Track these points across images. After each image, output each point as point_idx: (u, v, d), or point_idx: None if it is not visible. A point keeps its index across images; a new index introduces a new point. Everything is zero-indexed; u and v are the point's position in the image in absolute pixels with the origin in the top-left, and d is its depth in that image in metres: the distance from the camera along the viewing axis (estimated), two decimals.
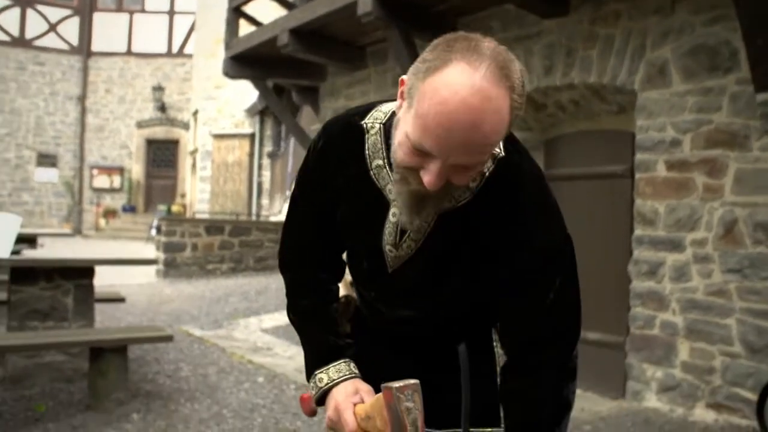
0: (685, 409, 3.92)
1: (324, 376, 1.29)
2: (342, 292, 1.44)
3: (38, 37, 18.89)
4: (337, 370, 1.29)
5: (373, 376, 1.31)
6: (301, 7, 6.04)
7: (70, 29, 19.24)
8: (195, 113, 15.59)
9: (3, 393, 3.98)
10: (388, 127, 1.20)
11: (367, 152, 1.24)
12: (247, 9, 7.53)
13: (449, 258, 1.23)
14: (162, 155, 19.34)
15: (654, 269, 4.13)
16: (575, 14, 4.60)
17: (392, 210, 1.22)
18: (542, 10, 4.69)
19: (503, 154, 1.19)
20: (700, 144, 3.95)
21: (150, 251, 11.12)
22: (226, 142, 13.98)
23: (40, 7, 18.89)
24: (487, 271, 1.22)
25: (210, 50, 13.88)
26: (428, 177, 1.05)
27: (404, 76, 1.11)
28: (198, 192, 14.86)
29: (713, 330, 3.85)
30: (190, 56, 18.00)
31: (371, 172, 1.23)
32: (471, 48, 1.01)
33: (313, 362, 1.33)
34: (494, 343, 1.34)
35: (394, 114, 1.19)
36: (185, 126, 18.33)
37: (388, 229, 1.24)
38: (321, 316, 1.36)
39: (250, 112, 13.25)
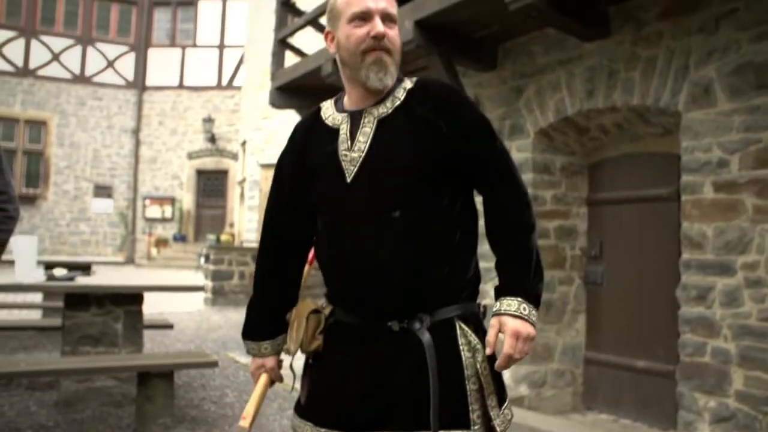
0: None
1: (268, 345, 1.82)
2: (311, 306, 1.66)
3: (97, 74, 19.73)
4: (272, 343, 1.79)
5: (343, 386, 1.58)
6: None
7: (127, 65, 20.06)
8: (243, 144, 15.94)
9: (56, 416, 4.11)
10: (336, 99, 1.69)
11: (322, 114, 1.67)
12: (293, 41, 7.71)
13: (398, 157, 1.51)
14: (212, 185, 19.81)
15: (703, 294, 4.00)
16: (616, 36, 4.56)
17: (342, 129, 1.58)
18: (583, 33, 4.67)
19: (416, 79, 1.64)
20: (748, 164, 3.84)
21: (199, 279, 11.33)
22: (273, 172, 14.24)
23: (99, 45, 19.77)
24: (432, 157, 1.51)
25: (258, 82, 14.23)
26: (375, 30, 1.51)
27: (327, 30, 1.63)
28: (246, 221, 15.12)
29: None
30: (239, 88, 18.49)
31: (326, 122, 1.64)
32: None
33: (253, 331, 1.82)
34: (460, 347, 1.49)
35: (342, 95, 1.66)
36: (234, 156, 18.76)
37: (341, 139, 1.58)
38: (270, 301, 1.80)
39: None
